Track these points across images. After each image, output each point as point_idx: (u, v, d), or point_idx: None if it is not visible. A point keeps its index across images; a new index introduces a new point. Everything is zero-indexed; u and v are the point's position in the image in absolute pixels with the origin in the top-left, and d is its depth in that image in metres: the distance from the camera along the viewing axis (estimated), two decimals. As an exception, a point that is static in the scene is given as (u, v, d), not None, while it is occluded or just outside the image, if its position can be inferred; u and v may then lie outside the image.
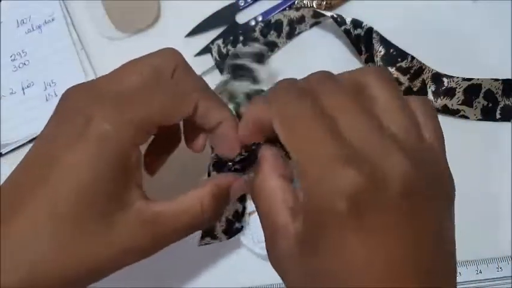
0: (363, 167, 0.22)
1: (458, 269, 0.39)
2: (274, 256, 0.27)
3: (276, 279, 0.40)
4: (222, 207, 0.32)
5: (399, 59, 0.43)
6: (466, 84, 0.43)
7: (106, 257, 0.28)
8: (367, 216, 0.22)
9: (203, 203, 0.30)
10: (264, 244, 0.38)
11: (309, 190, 0.23)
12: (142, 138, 0.29)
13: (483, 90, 0.42)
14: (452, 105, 0.43)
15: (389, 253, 0.22)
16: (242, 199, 0.37)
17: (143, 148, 0.35)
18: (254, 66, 0.40)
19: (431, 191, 0.23)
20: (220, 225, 0.37)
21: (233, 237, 0.38)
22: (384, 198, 0.22)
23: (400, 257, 0.22)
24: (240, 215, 0.37)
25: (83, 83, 0.30)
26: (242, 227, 0.37)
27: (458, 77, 0.43)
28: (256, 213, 0.38)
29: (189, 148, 0.34)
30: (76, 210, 0.26)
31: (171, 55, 0.32)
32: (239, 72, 0.41)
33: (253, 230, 0.39)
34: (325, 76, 0.26)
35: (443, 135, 0.26)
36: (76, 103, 0.29)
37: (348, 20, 0.43)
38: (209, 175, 0.34)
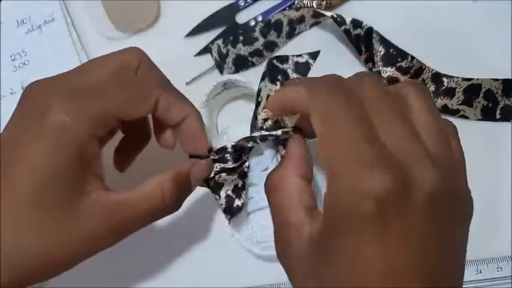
0: (395, 172, 0.23)
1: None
2: (282, 253, 0.27)
3: (275, 279, 0.40)
4: (184, 194, 0.33)
5: (399, 59, 0.43)
6: (466, 84, 0.42)
7: (68, 245, 0.28)
8: (391, 220, 0.22)
9: (163, 189, 0.30)
10: (263, 245, 0.39)
11: (337, 189, 0.24)
12: (100, 130, 0.29)
13: (483, 90, 0.42)
14: (452, 105, 0.43)
15: (407, 259, 0.23)
16: (243, 175, 0.36)
17: (113, 146, 0.36)
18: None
19: (453, 204, 0.24)
20: (219, 203, 0.36)
21: (233, 217, 0.37)
22: (410, 205, 0.23)
23: (417, 263, 0.23)
24: (240, 190, 0.37)
25: (46, 78, 0.31)
26: (242, 204, 0.36)
27: (458, 77, 0.43)
28: (254, 213, 0.38)
29: (160, 145, 0.35)
30: (35, 200, 0.27)
31: (136, 53, 0.33)
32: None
33: (252, 230, 0.39)
34: (370, 80, 0.27)
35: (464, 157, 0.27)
36: (35, 96, 0.29)
37: (348, 20, 0.43)
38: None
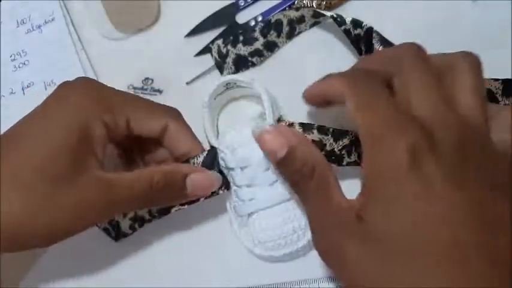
0: (422, 126, 0.26)
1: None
2: (325, 236, 0.29)
3: (275, 279, 0.40)
4: (173, 191, 0.35)
5: (399, 59, 0.43)
6: (466, 84, 0.42)
7: (68, 214, 0.30)
8: (424, 166, 0.25)
9: (153, 178, 0.33)
10: (264, 245, 0.39)
11: (372, 149, 0.27)
12: (107, 117, 0.33)
13: (483, 90, 0.42)
14: (452, 105, 0.43)
15: (448, 204, 0.24)
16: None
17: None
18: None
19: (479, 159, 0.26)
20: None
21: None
22: (439, 152, 0.25)
23: (456, 206, 0.25)
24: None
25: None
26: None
27: (458, 77, 0.43)
28: (256, 214, 0.38)
29: None
30: (38, 168, 0.29)
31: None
32: None
33: (254, 231, 0.39)
34: (415, 55, 0.29)
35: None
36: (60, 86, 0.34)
37: (348, 20, 0.43)
38: None
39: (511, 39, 0.44)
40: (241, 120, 0.39)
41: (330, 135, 0.36)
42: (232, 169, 0.37)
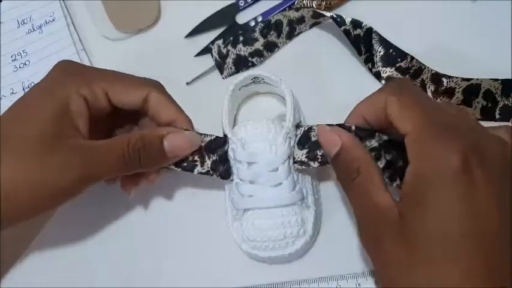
0: (472, 136, 0.28)
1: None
2: (369, 233, 0.31)
3: (275, 279, 0.41)
4: (151, 152, 0.36)
5: (399, 59, 0.44)
6: (465, 84, 0.43)
7: (52, 174, 0.33)
8: (474, 171, 0.27)
9: (130, 140, 0.35)
10: (252, 243, 0.39)
11: (421, 152, 0.28)
12: (87, 93, 0.35)
13: (482, 90, 0.43)
14: (451, 105, 0.43)
15: (497, 205, 0.27)
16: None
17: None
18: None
19: None
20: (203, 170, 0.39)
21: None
22: (487, 158, 0.28)
23: (503, 209, 0.27)
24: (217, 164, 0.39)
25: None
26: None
27: (457, 77, 0.43)
28: (252, 211, 0.38)
29: (122, 188, 0.40)
30: (29, 138, 0.33)
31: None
32: None
33: (246, 227, 0.39)
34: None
35: None
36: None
37: (348, 20, 0.43)
38: None
39: (511, 39, 0.44)
40: (261, 116, 0.39)
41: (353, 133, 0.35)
42: (239, 162, 0.38)
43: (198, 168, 0.38)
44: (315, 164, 0.37)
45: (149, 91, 0.37)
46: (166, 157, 0.37)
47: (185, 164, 0.39)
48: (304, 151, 0.37)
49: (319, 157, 0.37)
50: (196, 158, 0.39)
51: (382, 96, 0.32)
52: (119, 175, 0.38)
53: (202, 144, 0.38)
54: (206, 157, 0.38)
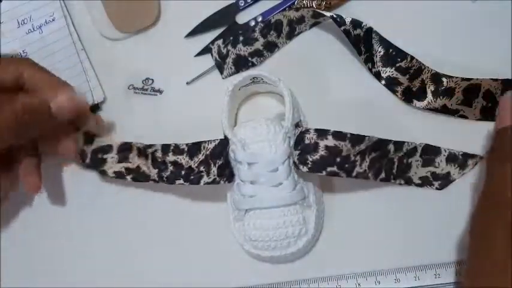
0: None
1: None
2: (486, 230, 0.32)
3: (275, 279, 0.41)
4: (39, 115, 0.37)
5: (398, 59, 0.44)
6: (465, 84, 0.43)
7: None
8: None
9: (16, 102, 0.36)
10: (254, 243, 0.39)
11: None
12: None
13: (482, 90, 0.42)
14: (451, 105, 0.43)
15: None
16: None
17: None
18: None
19: None
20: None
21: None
22: None
23: None
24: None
25: None
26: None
27: (457, 77, 0.43)
28: (253, 212, 0.38)
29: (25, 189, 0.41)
30: None
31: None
32: None
33: (248, 227, 0.39)
34: None
35: None
36: None
37: (348, 20, 0.43)
38: None
39: (511, 39, 0.44)
40: (261, 116, 0.39)
41: (347, 141, 0.37)
42: (240, 163, 0.38)
43: (205, 179, 0.39)
44: (304, 169, 0.37)
45: (22, 69, 0.38)
46: (56, 119, 0.38)
47: (192, 177, 0.39)
48: (297, 152, 0.37)
49: (309, 163, 0.37)
50: (202, 168, 0.39)
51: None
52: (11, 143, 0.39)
53: (208, 152, 0.38)
54: (212, 164, 0.39)
